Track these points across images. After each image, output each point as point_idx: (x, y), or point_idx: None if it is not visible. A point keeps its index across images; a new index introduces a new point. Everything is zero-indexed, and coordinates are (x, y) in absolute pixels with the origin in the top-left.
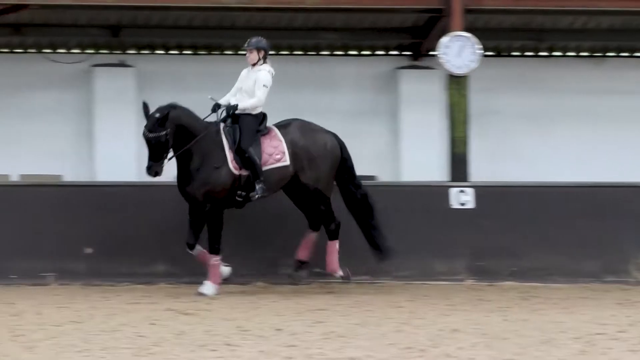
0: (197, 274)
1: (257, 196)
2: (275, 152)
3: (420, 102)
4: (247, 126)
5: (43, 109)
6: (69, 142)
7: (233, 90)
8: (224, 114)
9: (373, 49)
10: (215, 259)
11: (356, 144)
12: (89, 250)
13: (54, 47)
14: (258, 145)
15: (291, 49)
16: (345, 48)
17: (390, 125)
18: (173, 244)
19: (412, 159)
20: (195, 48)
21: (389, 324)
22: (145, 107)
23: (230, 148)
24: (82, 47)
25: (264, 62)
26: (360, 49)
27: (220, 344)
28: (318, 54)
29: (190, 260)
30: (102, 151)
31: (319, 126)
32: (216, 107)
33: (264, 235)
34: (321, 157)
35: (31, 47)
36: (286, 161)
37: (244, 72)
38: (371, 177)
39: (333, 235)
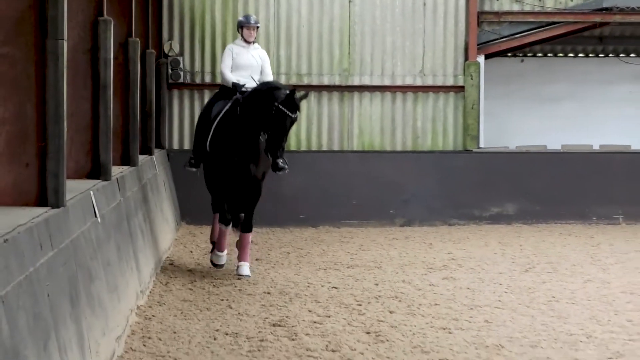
0: None
1: (287, 171)
2: None
3: None
4: None
5: (617, 99)
6: (635, 122)
7: (228, 65)
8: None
9: None
10: (251, 237)
11: None
12: None
13: (627, 52)
14: None
15: None
16: None
17: None
18: None
19: None
20: None
21: None
22: (294, 93)
23: None
24: None
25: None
26: None
27: None
28: None
29: None
30: None
31: None
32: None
33: None
34: None
35: (610, 53)
36: None
37: (238, 49)
38: None
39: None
